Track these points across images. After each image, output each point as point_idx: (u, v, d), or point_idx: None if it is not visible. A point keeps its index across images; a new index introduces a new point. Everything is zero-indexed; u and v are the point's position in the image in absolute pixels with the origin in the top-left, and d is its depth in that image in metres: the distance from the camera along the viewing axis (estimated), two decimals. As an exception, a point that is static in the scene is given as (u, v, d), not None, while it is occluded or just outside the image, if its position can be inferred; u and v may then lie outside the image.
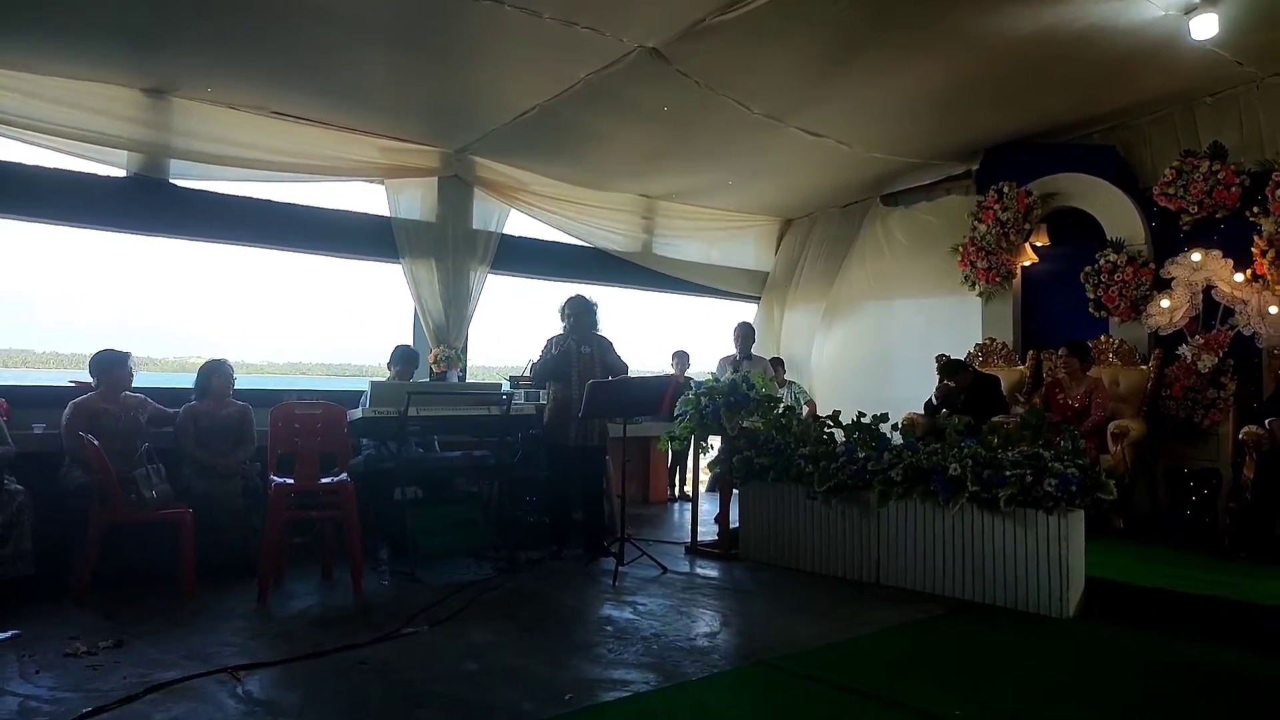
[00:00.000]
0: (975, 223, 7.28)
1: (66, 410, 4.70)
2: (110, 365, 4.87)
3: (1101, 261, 6.59)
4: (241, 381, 5.37)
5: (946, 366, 6.48)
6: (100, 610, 4.05)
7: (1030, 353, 6.99)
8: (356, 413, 5.16)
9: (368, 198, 6.87)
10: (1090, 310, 6.69)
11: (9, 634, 3.64)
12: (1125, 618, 4.16)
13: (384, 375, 6.07)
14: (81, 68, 5.27)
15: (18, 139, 5.24)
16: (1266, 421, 5.23)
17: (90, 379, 4.92)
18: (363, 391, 5.44)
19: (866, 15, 5.05)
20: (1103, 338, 6.65)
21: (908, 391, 7.21)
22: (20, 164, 5.40)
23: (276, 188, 6.34)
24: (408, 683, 3.21)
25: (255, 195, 6.29)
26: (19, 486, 4.27)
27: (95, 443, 4.32)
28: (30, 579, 4.16)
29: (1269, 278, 5.82)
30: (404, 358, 5.95)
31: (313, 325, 7.11)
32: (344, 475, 4.89)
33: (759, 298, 9.56)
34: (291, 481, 4.66)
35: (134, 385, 5.00)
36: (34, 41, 4.89)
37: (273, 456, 4.91)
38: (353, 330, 7.16)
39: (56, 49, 5.02)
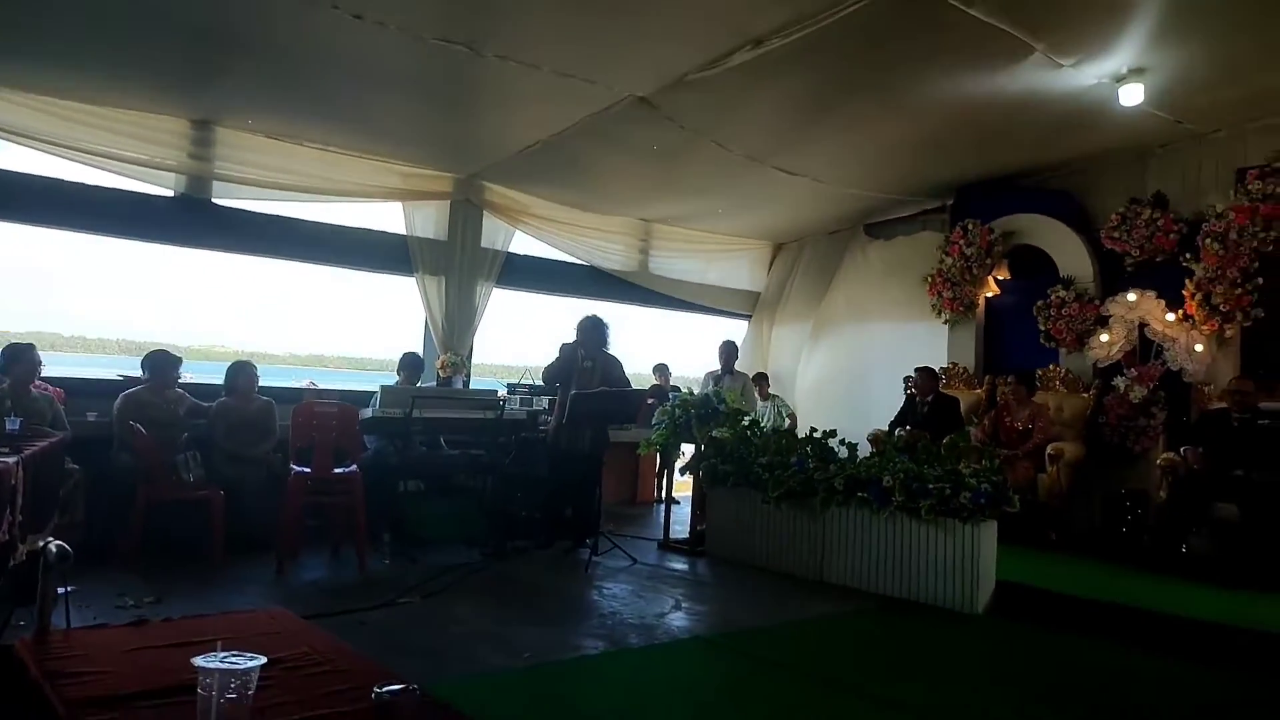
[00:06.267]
0: (943, 256, 7.89)
1: (118, 401, 5.41)
2: (162, 364, 5.60)
3: (1052, 296, 7.18)
4: (266, 374, 6.09)
5: (919, 372, 7.14)
6: (142, 574, 4.73)
7: (987, 378, 7.59)
8: (367, 412, 5.85)
9: (386, 217, 7.60)
10: (1041, 340, 7.28)
11: (66, 589, 4.33)
12: (1029, 617, 4.71)
13: (393, 374, 6.79)
14: (139, 101, 6.03)
15: (85, 163, 5.99)
16: (1181, 449, 5.78)
17: (141, 373, 5.64)
18: (374, 393, 6.13)
19: (831, 78, 5.70)
20: (1052, 366, 7.23)
21: (882, 409, 7.83)
22: (83, 183, 6.16)
23: (306, 207, 7.08)
24: (399, 641, 3.87)
25: (287, 214, 7.04)
26: (75, 466, 4.97)
27: (143, 430, 5.04)
28: (81, 546, 4.85)
29: (1197, 318, 6.38)
30: (410, 364, 6.64)
31: (334, 326, 7.76)
32: (354, 467, 5.57)
33: (750, 315, 10.20)
34: (309, 470, 5.35)
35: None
36: (99, 80, 5.65)
37: (294, 448, 5.59)
38: (370, 331, 7.81)
39: (119, 86, 5.78)
